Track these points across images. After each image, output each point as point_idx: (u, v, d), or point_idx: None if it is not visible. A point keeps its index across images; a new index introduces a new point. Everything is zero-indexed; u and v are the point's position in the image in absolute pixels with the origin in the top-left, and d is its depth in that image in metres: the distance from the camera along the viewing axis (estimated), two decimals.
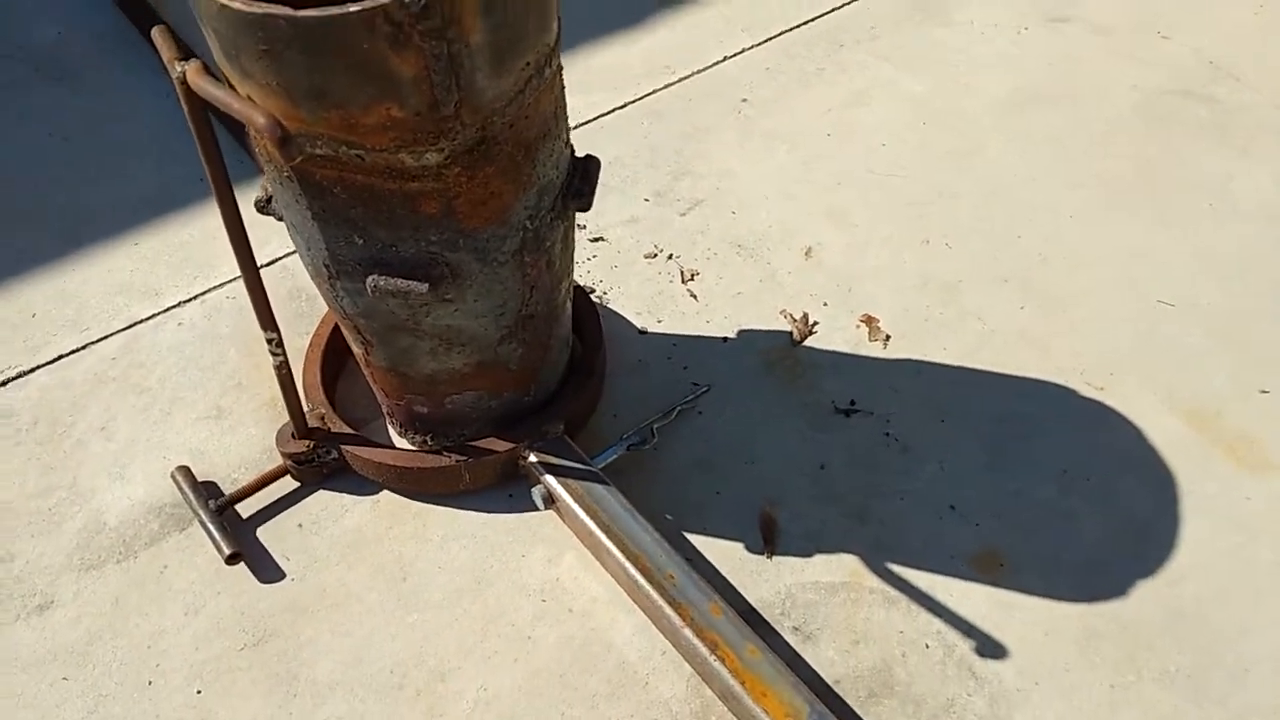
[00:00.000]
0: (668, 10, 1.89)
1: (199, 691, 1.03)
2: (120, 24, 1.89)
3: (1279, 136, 1.60)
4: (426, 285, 0.94)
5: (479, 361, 1.08)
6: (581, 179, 1.03)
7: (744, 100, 1.71)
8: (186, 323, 1.38)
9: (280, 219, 1.02)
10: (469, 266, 0.97)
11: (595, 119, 1.68)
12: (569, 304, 1.18)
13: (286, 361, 1.08)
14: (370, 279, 0.94)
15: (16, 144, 1.66)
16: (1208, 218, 1.48)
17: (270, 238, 1.43)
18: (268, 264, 1.44)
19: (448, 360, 1.07)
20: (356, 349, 1.12)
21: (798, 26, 1.86)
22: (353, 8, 0.76)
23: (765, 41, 1.83)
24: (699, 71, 1.77)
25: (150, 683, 1.04)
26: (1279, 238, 1.44)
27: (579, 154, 1.07)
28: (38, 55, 1.85)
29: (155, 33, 0.88)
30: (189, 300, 1.41)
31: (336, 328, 1.26)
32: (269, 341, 1.05)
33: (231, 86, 0.87)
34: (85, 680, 1.04)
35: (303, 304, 1.40)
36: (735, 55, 1.80)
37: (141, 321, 1.38)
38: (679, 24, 1.88)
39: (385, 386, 1.15)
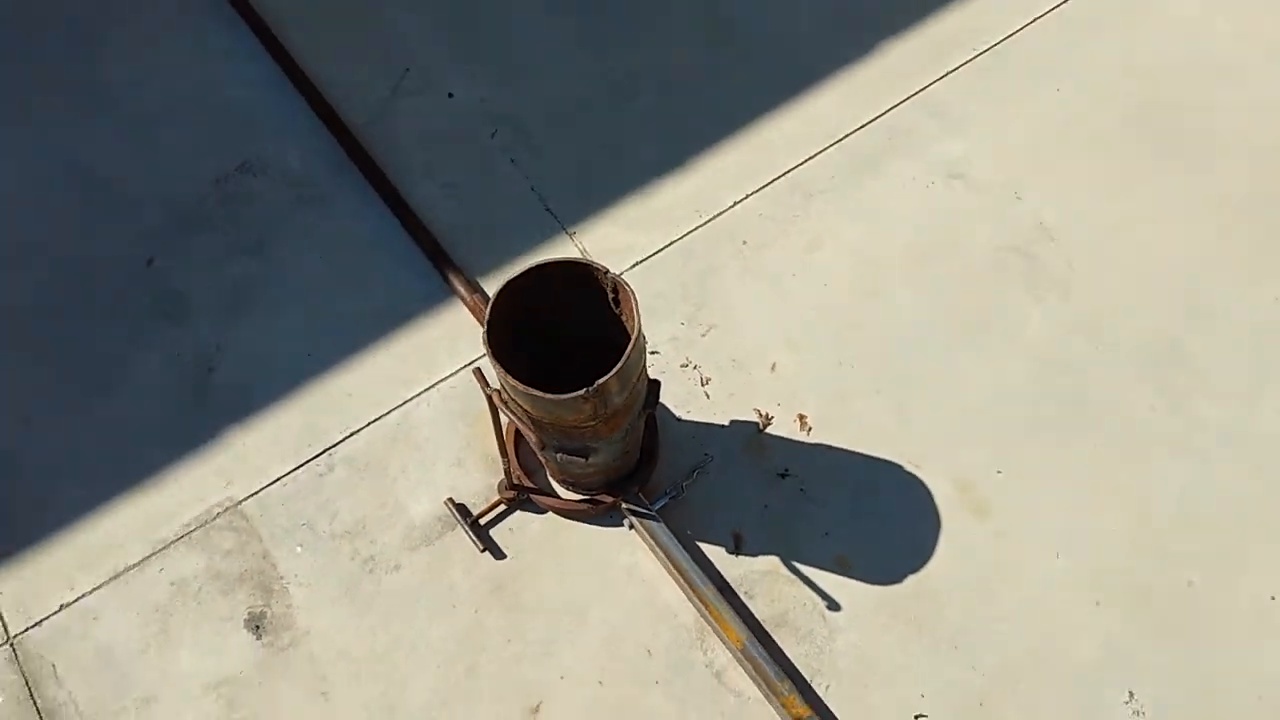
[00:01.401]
0: (702, 156, 2.79)
1: (475, 611, 2.21)
2: (340, 152, 2.80)
3: (1063, 290, 2.56)
4: (585, 458, 2.01)
5: (602, 468, 2.16)
6: (653, 397, 2.07)
7: (744, 243, 2.66)
8: (432, 403, 2.45)
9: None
10: (604, 447, 2.03)
11: (650, 256, 2.64)
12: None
13: (509, 469, 2.17)
14: (559, 455, 2.01)
15: (308, 265, 2.64)
16: (1003, 351, 2.49)
17: (463, 350, 2.47)
18: (463, 367, 2.48)
19: (587, 469, 2.15)
20: (541, 458, 2.21)
21: (784, 174, 2.75)
22: (567, 396, 1.79)
23: (762, 188, 2.74)
24: (717, 215, 2.70)
25: (454, 606, 2.22)
26: (1035, 370, 2.45)
27: (650, 370, 2.10)
28: (293, 179, 2.79)
29: (473, 372, 1.91)
30: (430, 388, 2.47)
31: None
32: (503, 465, 2.15)
33: (507, 392, 1.91)
34: (425, 604, 2.21)
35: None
36: (742, 200, 2.72)
37: (407, 401, 2.45)
38: (708, 167, 2.76)
39: (552, 472, 2.25)
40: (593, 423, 1.92)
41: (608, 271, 1.92)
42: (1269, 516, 2.26)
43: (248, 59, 2.95)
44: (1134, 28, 2.94)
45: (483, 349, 1.83)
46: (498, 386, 1.94)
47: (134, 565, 2.26)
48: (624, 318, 1.99)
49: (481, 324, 1.88)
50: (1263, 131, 2.75)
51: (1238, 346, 2.46)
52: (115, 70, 2.95)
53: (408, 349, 2.52)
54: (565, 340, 2.09)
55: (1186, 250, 2.60)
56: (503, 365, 1.83)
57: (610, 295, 1.98)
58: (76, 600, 2.22)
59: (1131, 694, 2.09)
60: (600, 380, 1.80)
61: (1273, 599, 2.15)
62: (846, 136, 2.79)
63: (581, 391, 1.80)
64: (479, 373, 1.95)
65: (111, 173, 2.78)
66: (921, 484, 2.32)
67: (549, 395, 1.81)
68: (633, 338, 1.84)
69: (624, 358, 1.82)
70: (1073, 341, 2.48)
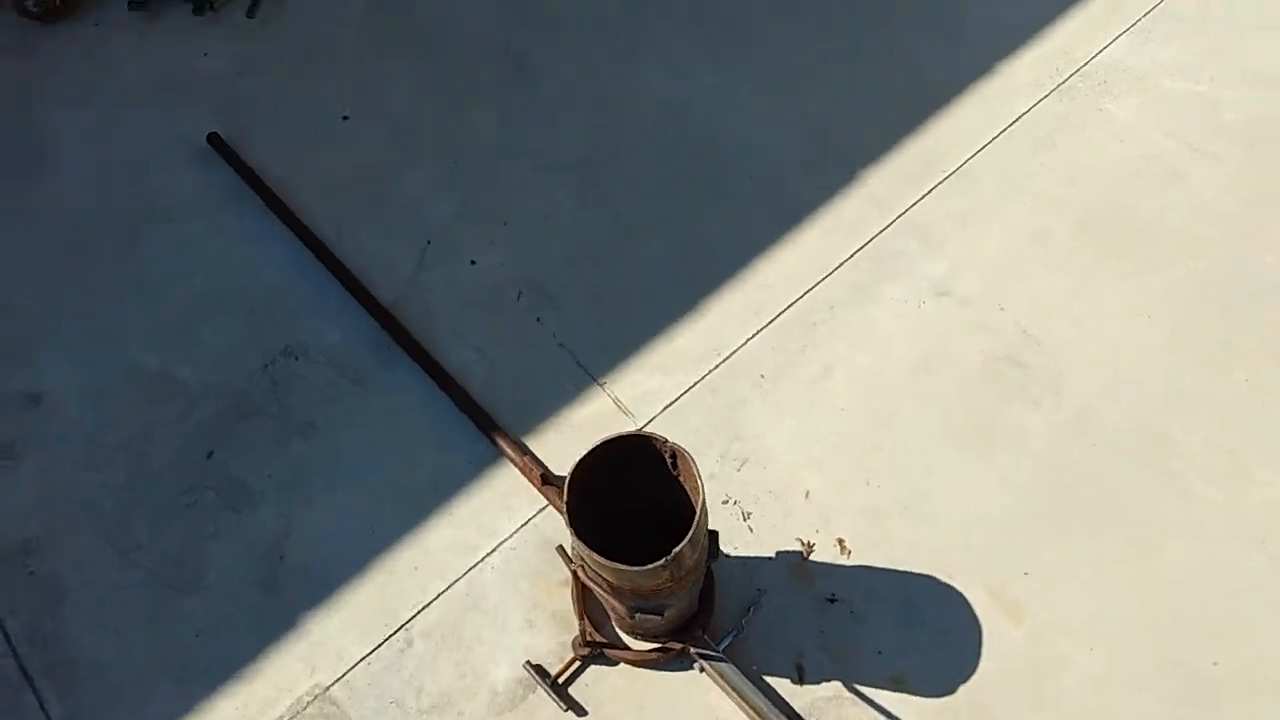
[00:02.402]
0: (711, 297, 2.92)
1: None
2: (375, 327, 2.89)
3: (1055, 393, 2.72)
4: (660, 617, 2.09)
5: (672, 619, 2.24)
6: (715, 548, 2.16)
7: (762, 376, 2.79)
8: (495, 567, 2.51)
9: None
10: (675, 602, 2.11)
11: (680, 396, 2.75)
12: None
13: (584, 629, 2.24)
14: (638, 615, 2.09)
15: (359, 442, 2.71)
16: (1007, 455, 2.62)
17: (517, 510, 2.55)
18: (520, 528, 2.55)
19: (659, 623, 2.23)
20: (614, 616, 2.28)
21: (788, 307, 2.90)
22: (649, 566, 1.88)
23: (769, 323, 2.87)
24: (733, 353, 2.82)
25: None
26: (1040, 472, 2.59)
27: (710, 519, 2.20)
28: (334, 358, 2.87)
29: (556, 549, 1.98)
30: (492, 552, 2.54)
31: None
32: (579, 625, 2.21)
33: (591, 567, 1.99)
34: None
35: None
36: (753, 337, 2.85)
37: (471, 568, 2.51)
38: (718, 307, 2.90)
39: (622, 627, 2.33)
40: (669, 584, 2.00)
41: (666, 441, 2.03)
42: (1276, 586, 2.40)
43: (279, 244, 3.04)
44: (1078, 140, 3.16)
45: (536, 507, 1.98)
46: (577, 559, 2.01)
47: None
48: (683, 480, 2.09)
49: (533, 483, 2.00)
50: (1198, 226, 2.96)
51: (1220, 427, 2.62)
52: (157, 266, 3.03)
53: (464, 514, 2.59)
54: (631, 500, 2.17)
55: (1154, 343, 2.77)
56: (585, 543, 1.91)
57: (669, 460, 2.08)
58: None
59: None
60: (676, 549, 1.89)
61: None
62: (839, 267, 2.95)
63: (660, 562, 1.89)
64: (561, 549, 2.03)
65: (163, 368, 2.84)
66: (958, 594, 2.43)
67: (631, 568, 1.89)
68: (698, 507, 1.94)
69: (694, 525, 1.92)
70: (1070, 441, 2.63)
